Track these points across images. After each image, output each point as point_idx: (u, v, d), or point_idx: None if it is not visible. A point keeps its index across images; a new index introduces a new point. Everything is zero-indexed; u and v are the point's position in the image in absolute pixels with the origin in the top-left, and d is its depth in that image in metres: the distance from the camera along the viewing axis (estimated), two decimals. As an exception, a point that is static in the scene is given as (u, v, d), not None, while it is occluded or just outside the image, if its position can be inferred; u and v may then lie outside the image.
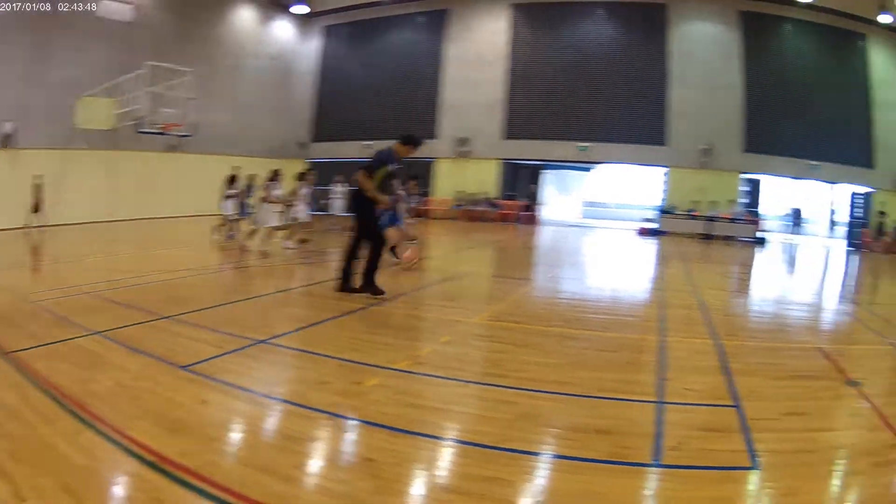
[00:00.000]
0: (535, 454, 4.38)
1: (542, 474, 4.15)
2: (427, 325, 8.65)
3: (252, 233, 15.94)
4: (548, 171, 37.71)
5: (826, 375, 7.09)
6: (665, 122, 31.76)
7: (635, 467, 4.25)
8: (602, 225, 35.94)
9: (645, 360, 7.31)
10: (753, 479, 4.24)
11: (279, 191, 16.23)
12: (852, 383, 6.69)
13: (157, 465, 3.71)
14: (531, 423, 4.89)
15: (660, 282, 15.61)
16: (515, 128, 33.37)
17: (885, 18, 30.02)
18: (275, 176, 16.22)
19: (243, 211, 17.98)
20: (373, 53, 36.24)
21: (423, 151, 31.94)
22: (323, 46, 37.24)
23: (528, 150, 33.29)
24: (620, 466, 4.24)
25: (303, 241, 16.80)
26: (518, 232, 27.83)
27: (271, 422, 4.76)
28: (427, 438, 4.45)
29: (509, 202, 33.93)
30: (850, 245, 32.00)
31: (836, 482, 4.44)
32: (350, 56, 36.86)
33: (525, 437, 4.60)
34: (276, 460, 3.93)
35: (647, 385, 6.21)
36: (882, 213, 30.87)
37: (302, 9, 35.34)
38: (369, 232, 9.66)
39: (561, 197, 44.50)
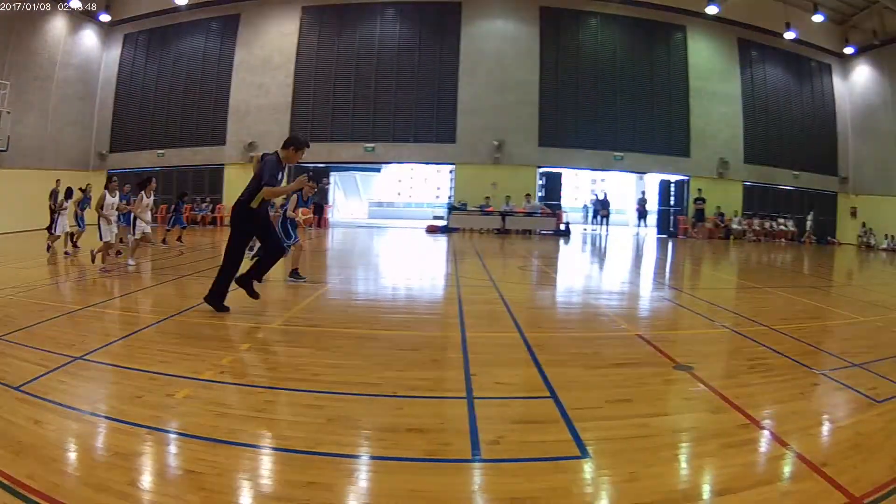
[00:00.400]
0: (352, 457, 4.57)
1: (362, 476, 4.33)
2: (227, 333, 8.56)
3: (105, 248, 14.96)
4: (336, 173, 38.97)
5: (651, 362, 7.40)
6: (455, 119, 33.53)
7: (457, 464, 4.43)
8: (392, 224, 37.13)
9: (450, 356, 7.46)
10: (587, 468, 4.36)
11: (115, 199, 15.28)
12: (683, 367, 6.97)
13: (14, 489, 3.83)
14: (342, 426, 5.09)
15: (456, 278, 15.92)
16: (302, 130, 33.63)
17: (712, 9, 33.04)
18: (108, 184, 15.28)
19: (79, 224, 18.16)
20: (168, 61, 36.33)
21: (212, 158, 30.70)
22: (122, 55, 37.03)
23: (315, 152, 33.24)
24: (441, 464, 4.41)
25: (118, 254, 15.97)
26: (307, 235, 27.86)
27: (100, 439, 4.86)
28: (243, 447, 4.63)
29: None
30: (662, 232, 35.37)
31: (683, 465, 4.60)
32: (147, 64, 36.68)
33: (338, 441, 4.78)
34: (110, 478, 4.05)
35: (455, 381, 6.37)
36: (701, 199, 33.45)
37: (106, 17, 35.32)
38: (270, 241, 9.80)
39: (350, 198, 46.23)
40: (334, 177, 38.55)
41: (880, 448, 4.93)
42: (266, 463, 4.47)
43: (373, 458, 4.54)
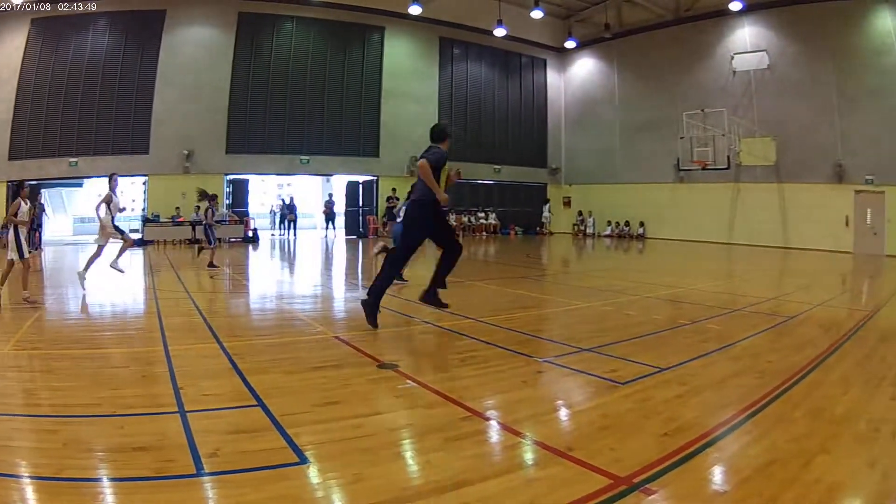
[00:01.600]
0: (94, 480, 4.52)
1: (108, 499, 4.25)
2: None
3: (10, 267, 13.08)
4: (45, 189, 36.56)
5: (353, 362, 7.70)
6: (149, 130, 32.92)
7: (185, 479, 4.42)
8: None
9: (157, 371, 7.41)
10: (310, 473, 4.50)
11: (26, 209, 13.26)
12: (387, 366, 7.33)
13: None
14: (76, 450, 5.00)
15: (153, 291, 15.68)
16: (20, 148, 32.08)
17: (414, 10, 34.17)
18: (20, 191, 13.46)
19: None
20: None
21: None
22: None
23: (27, 169, 31.94)
24: (171, 481, 4.40)
25: None
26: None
27: None
28: (6, 478, 4.50)
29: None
30: (351, 234, 36.67)
31: (409, 462, 4.85)
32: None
33: (77, 465, 4.72)
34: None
35: (165, 396, 6.34)
36: (395, 198, 34.61)
37: None
38: (450, 239, 9.88)
39: (57, 215, 45.43)
40: (45, 192, 36.10)
41: (639, 428, 5.38)
42: (28, 492, 4.37)
43: (111, 479, 4.50)
